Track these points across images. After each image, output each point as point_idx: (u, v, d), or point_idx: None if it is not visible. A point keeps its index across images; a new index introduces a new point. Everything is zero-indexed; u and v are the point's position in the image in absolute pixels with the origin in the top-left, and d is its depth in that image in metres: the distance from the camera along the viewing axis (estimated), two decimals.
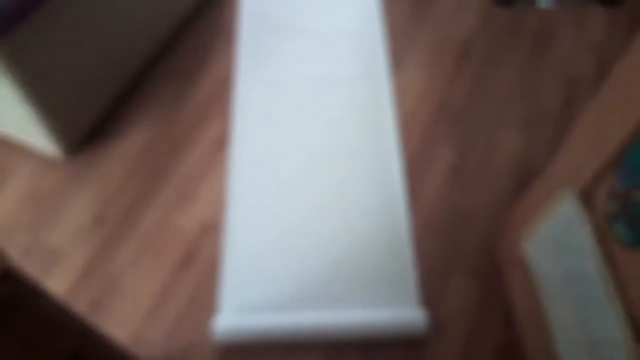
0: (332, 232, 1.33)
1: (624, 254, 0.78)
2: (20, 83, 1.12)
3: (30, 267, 1.27)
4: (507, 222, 1.21)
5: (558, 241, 0.96)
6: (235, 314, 1.21)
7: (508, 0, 1.80)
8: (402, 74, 1.61)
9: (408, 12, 1.76)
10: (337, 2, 1.78)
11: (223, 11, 1.76)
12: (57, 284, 1.25)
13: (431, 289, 1.24)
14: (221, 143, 1.48)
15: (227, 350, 1.18)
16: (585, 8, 1.79)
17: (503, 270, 1.24)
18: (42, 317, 0.35)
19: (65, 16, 1.18)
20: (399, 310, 1.19)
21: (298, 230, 1.32)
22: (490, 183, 1.40)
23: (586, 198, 0.88)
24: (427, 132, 1.50)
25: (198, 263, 1.29)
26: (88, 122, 1.43)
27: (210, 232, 1.33)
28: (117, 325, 1.21)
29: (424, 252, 1.30)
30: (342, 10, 1.77)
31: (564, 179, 0.93)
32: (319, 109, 1.54)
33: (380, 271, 1.27)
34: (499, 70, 1.63)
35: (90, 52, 1.32)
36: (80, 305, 1.23)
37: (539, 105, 1.55)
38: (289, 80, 1.59)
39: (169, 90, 1.57)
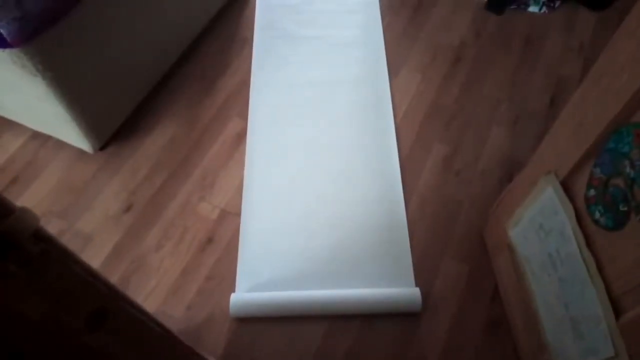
0: (336, 218, 1.33)
1: (602, 237, 0.77)
2: (54, 83, 1.13)
3: None
4: (495, 209, 1.21)
5: (541, 225, 0.96)
6: (248, 291, 1.21)
7: (499, 6, 1.78)
8: (400, 77, 1.61)
9: (406, 22, 1.76)
10: (343, 13, 1.79)
11: (240, 20, 1.76)
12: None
13: (425, 270, 1.25)
14: (239, 138, 1.48)
15: (242, 322, 1.18)
16: (575, 12, 1.77)
17: (491, 254, 1.24)
18: (70, 277, 0.36)
19: (97, 20, 1.19)
20: (396, 288, 1.19)
21: (306, 216, 1.33)
22: (480, 176, 1.40)
23: (567, 185, 0.87)
24: (422, 130, 1.50)
25: (217, 245, 1.30)
26: (118, 119, 1.44)
27: (228, 217, 1.34)
28: (143, 300, 1.22)
29: (418, 236, 1.30)
30: (348, 20, 1.77)
31: (547, 167, 0.93)
32: (326, 109, 1.54)
33: (380, 253, 1.27)
34: (490, 72, 1.62)
35: (121, 54, 1.32)
36: None
37: (527, 105, 1.54)
38: (299, 84, 1.59)
39: (192, 90, 1.58)
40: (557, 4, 1.79)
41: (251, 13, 1.79)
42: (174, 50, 1.58)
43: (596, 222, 0.78)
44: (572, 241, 0.84)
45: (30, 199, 1.37)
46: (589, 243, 0.81)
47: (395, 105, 1.55)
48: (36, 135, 1.46)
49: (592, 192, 0.79)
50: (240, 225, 1.32)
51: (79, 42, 1.16)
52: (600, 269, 0.78)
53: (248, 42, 1.70)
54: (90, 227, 1.33)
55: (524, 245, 1.05)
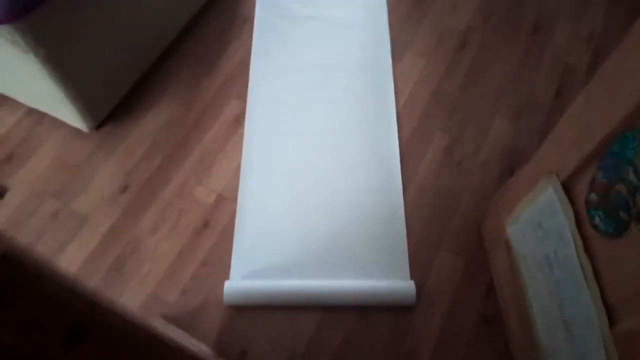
0: (334, 206, 1.32)
1: (601, 242, 0.75)
2: (47, 61, 1.10)
3: (58, 230, 1.28)
4: (494, 204, 1.19)
5: (540, 224, 0.94)
6: (243, 279, 1.20)
7: None
8: (403, 62, 1.57)
9: (411, 4, 1.70)
10: None
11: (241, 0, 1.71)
12: (82, 246, 1.26)
13: (420, 262, 1.24)
14: (238, 121, 1.45)
15: (236, 310, 1.18)
16: None
17: (487, 248, 1.22)
18: (42, 296, 0.34)
19: None
20: (391, 280, 1.19)
21: (302, 203, 1.31)
22: (481, 167, 1.37)
23: (568, 186, 0.85)
24: (423, 117, 1.46)
25: (212, 230, 1.29)
26: (114, 99, 1.41)
27: (224, 202, 1.32)
28: (137, 284, 1.21)
29: (415, 228, 1.29)
30: (352, 0, 1.71)
31: (549, 167, 0.91)
32: (326, 92, 1.51)
33: (377, 244, 1.26)
34: (495, 60, 1.57)
35: (115, 32, 1.28)
36: (103, 265, 1.23)
37: (532, 95, 1.50)
38: (300, 66, 1.55)
39: (191, 70, 1.54)
40: None
41: None
42: (172, 27, 1.53)
43: (595, 227, 0.77)
44: (570, 244, 0.82)
45: (25, 177, 1.35)
46: (587, 247, 0.79)
47: (397, 91, 1.51)
48: (32, 112, 1.43)
49: (593, 196, 0.77)
50: (237, 210, 1.31)
51: (74, 19, 1.12)
52: (596, 274, 0.77)
53: (249, 20, 1.65)
54: (86, 208, 1.31)
55: (522, 242, 1.03)
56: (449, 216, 1.30)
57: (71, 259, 1.25)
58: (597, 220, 0.76)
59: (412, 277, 1.21)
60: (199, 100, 1.49)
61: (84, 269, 1.23)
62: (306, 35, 1.62)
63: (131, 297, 1.20)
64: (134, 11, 1.30)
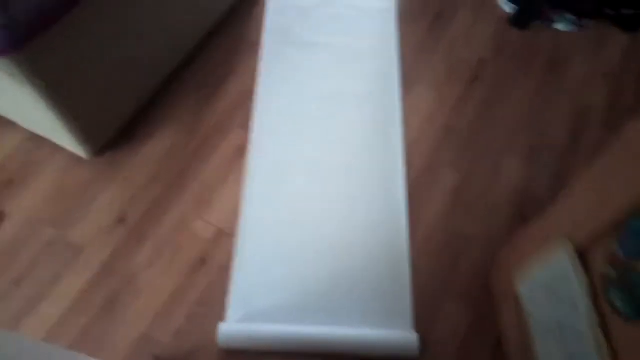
0: (336, 247, 1.27)
1: (620, 324, 0.70)
2: (44, 93, 1.07)
3: (53, 260, 1.24)
4: (504, 255, 1.13)
5: (552, 289, 0.89)
6: (240, 322, 1.16)
7: (523, 21, 1.67)
8: (412, 95, 1.52)
9: (423, 34, 1.65)
10: (358, 20, 1.69)
11: (249, 24, 1.67)
12: (76, 278, 1.22)
13: (424, 311, 1.19)
14: (240, 152, 1.41)
15: (231, 354, 1.13)
16: (605, 32, 1.65)
17: (496, 301, 1.17)
18: None
19: (92, 25, 1.11)
20: (393, 331, 1.14)
21: (304, 243, 1.27)
22: (491, 209, 1.32)
23: (585, 254, 0.80)
24: (432, 154, 1.41)
25: (210, 267, 1.25)
26: (115, 125, 1.38)
27: (224, 238, 1.28)
28: (130, 321, 1.17)
29: (419, 272, 1.24)
30: (363, 27, 1.67)
31: (562, 229, 0.86)
32: (333, 125, 1.46)
33: (379, 289, 1.21)
34: (509, 95, 1.52)
35: (117, 61, 1.25)
36: (96, 299, 1.19)
37: (546, 135, 1.44)
38: (306, 95, 1.51)
39: (193, 98, 1.50)
40: (586, 22, 1.68)
41: (261, 14, 1.69)
42: (177, 52, 1.50)
43: (613, 306, 0.71)
44: (584, 319, 0.77)
45: (23, 203, 1.32)
46: (603, 325, 0.74)
47: (405, 125, 1.46)
48: (32, 136, 1.40)
49: (612, 272, 0.72)
50: (236, 247, 1.26)
51: (73, 49, 1.09)
52: (613, 355, 0.71)
53: (255, 46, 1.61)
54: (82, 238, 1.28)
55: (532, 302, 0.98)
56: (456, 262, 1.25)
57: (65, 291, 1.21)
58: (615, 300, 0.71)
59: (415, 326, 1.16)
60: (201, 128, 1.45)
61: (77, 302, 1.19)
62: (314, 64, 1.58)
63: (123, 336, 1.16)
64: (136, 39, 1.27)
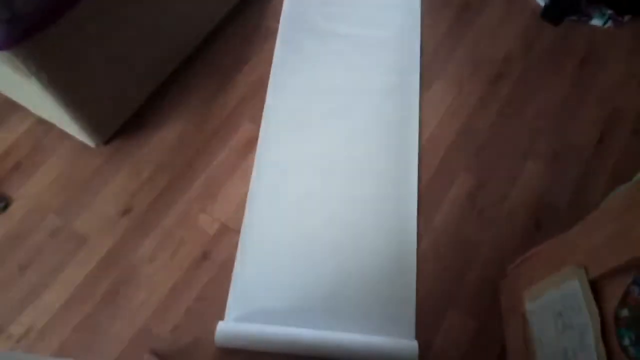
0: (341, 248, 1.24)
1: None
2: (49, 85, 1.05)
3: (57, 249, 1.24)
4: (515, 269, 1.07)
5: (561, 314, 0.83)
6: (238, 321, 1.14)
7: (557, 16, 1.55)
8: (432, 91, 1.45)
9: (447, 26, 1.56)
10: (381, 9, 1.60)
11: (266, 12, 1.61)
12: (79, 268, 1.22)
13: (428, 319, 1.15)
14: (249, 146, 1.37)
15: (227, 353, 1.12)
16: None
17: (503, 314, 1.12)
18: None
19: (98, 16, 1.08)
20: (395, 339, 1.10)
21: (308, 243, 1.24)
22: (505, 217, 1.26)
23: (598, 287, 0.74)
24: (448, 154, 1.35)
25: (212, 263, 1.23)
26: (121, 118, 1.36)
27: (227, 233, 1.26)
28: (130, 314, 1.17)
29: (426, 280, 1.19)
30: (385, 17, 1.59)
31: (578, 256, 0.79)
32: (346, 120, 1.41)
33: (383, 293, 1.18)
34: (535, 96, 1.43)
35: (125, 50, 1.22)
36: (97, 290, 1.19)
37: (571, 139, 1.36)
38: (321, 87, 1.45)
39: (206, 85, 1.47)
40: (626, 18, 1.55)
41: (277, 1, 1.63)
42: (190, 40, 1.46)
43: (624, 348, 0.65)
44: (591, 353, 0.72)
45: (31, 189, 1.32)
46: None
47: (422, 123, 1.40)
48: (42, 120, 1.40)
49: (625, 312, 0.66)
50: (239, 244, 1.24)
51: (78, 41, 1.06)
52: None
53: (271, 35, 1.55)
54: (86, 228, 1.27)
55: (540, 324, 0.92)
56: (464, 271, 1.20)
57: (67, 280, 1.21)
58: (626, 341, 0.65)
59: (417, 335, 1.12)
60: (211, 119, 1.41)
61: (78, 292, 1.20)
62: (331, 54, 1.52)
63: (122, 328, 1.16)
64: (144, 28, 1.23)
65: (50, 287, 1.20)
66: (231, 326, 1.13)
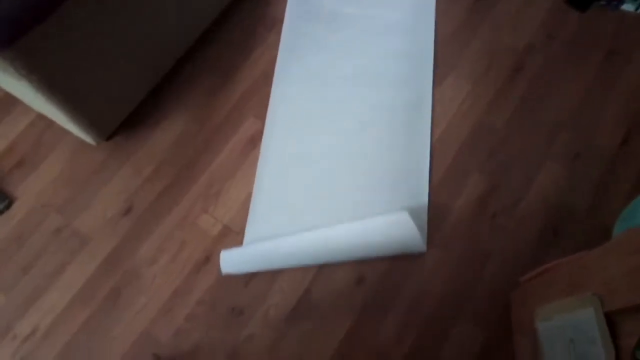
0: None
1: None
2: (41, 86, 1.00)
3: (59, 249, 1.23)
4: (528, 282, 1.02)
5: (573, 342, 0.78)
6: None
7: (585, 2, 1.43)
8: (444, 85, 1.37)
9: (464, 13, 1.46)
10: None
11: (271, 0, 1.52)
12: (81, 269, 1.21)
13: (434, 329, 1.10)
14: (253, 142, 1.33)
15: (233, 354, 1.10)
16: None
17: (514, 328, 1.07)
18: None
19: (84, 17, 1.02)
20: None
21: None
22: (520, 222, 1.19)
23: (614, 320, 0.68)
24: (460, 155, 1.28)
25: (213, 266, 1.20)
26: (124, 111, 1.32)
27: (230, 235, 1.23)
28: (131, 318, 1.16)
29: (433, 288, 1.14)
30: (398, 1, 1.49)
31: (594, 284, 0.73)
32: (355, 111, 1.34)
33: None
34: (557, 90, 1.34)
35: (121, 46, 1.17)
36: (99, 292, 1.18)
37: (592, 140, 1.27)
38: (329, 77, 1.39)
39: (209, 79, 1.41)
40: None
41: None
42: (191, 33, 1.39)
43: None
44: None
45: (33, 187, 1.31)
46: None
47: (434, 120, 1.32)
48: (43, 116, 1.37)
49: None
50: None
51: (69, 40, 1.01)
52: None
53: (277, 24, 1.48)
54: (88, 228, 1.26)
55: (551, 347, 0.87)
56: (474, 279, 1.15)
57: (70, 281, 1.20)
58: None
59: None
60: (214, 115, 1.36)
61: (80, 294, 1.19)
62: (338, 38, 1.44)
63: (124, 333, 1.15)
64: (140, 23, 1.17)
65: (53, 287, 1.19)
66: (234, 251, 1.17)
